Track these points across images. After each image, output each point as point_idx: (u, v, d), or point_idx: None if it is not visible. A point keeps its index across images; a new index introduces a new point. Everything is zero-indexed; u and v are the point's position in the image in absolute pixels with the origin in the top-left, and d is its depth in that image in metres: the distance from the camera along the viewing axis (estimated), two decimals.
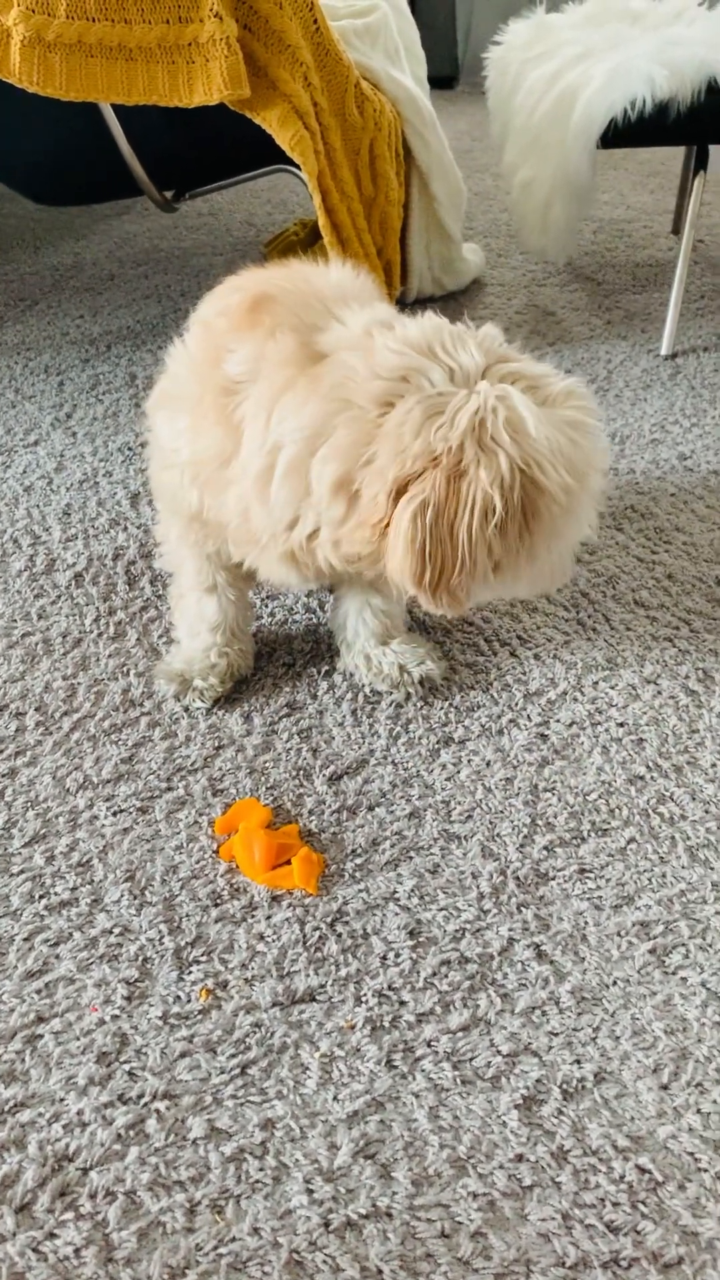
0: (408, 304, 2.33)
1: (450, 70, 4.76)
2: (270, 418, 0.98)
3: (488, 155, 3.54)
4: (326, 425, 0.95)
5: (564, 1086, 0.84)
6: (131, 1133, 0.82)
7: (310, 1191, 0.78)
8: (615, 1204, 0.77)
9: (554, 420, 0.92)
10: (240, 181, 2.21)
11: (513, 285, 2.50)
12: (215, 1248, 0.75)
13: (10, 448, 1.81)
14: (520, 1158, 0.80)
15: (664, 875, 1.02)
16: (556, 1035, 0.88)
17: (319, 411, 0.95)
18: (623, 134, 2.00)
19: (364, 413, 0.93)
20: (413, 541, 0.90)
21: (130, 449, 1.79)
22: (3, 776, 1.14)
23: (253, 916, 0.99)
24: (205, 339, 1.09)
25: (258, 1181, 0.79)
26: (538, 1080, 0.85)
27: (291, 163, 1.90)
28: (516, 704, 1.22)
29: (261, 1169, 0.79)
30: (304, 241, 2.63)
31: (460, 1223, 0.76)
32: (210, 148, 2.03)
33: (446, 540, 0.91)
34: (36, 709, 1.22)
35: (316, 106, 1.84)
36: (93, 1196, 0.78)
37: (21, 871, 1.03)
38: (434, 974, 0.93)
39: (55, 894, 1.01)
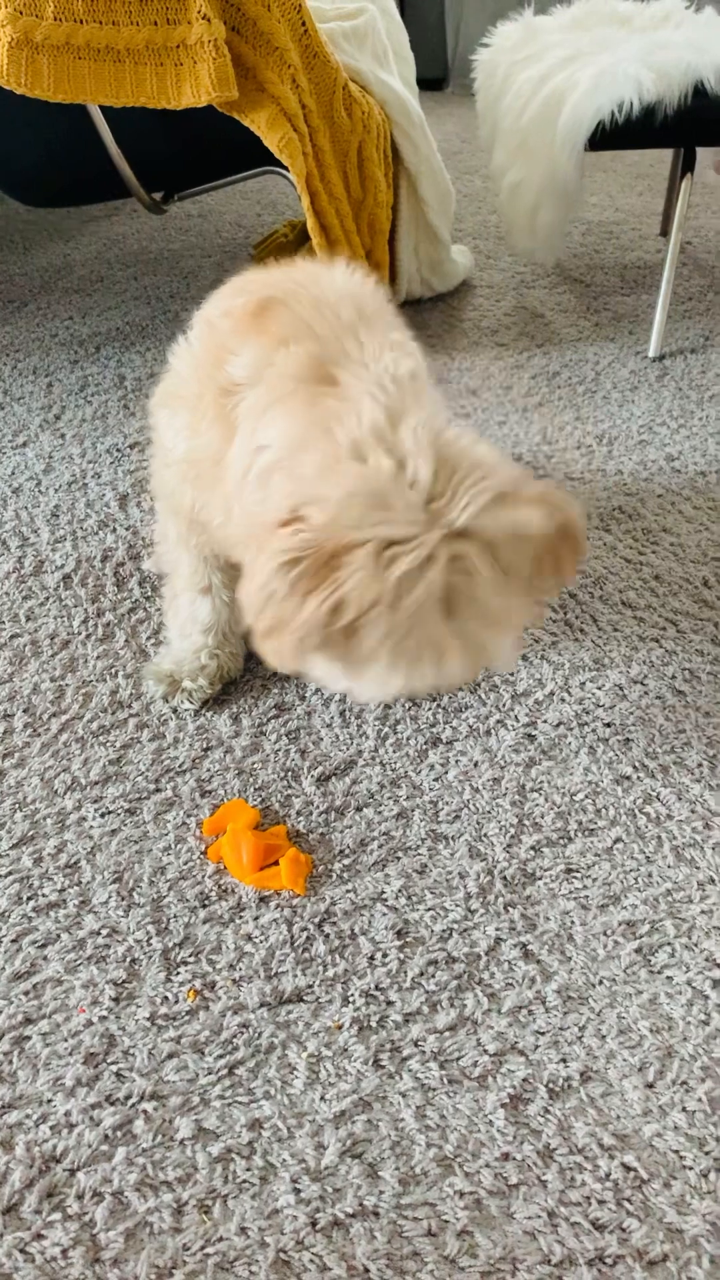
0: (397, 305, 2.33)
1: (439, 72, 4.77)
2: (259, 423, 0.97)
3: (476, 157, 3.55)
4: (301, 448, 0.91)
5: (550, 1085, 0.85)
6: (119, 1133, 0.82)
7: (297, 1191, 0.78)
8: (601, 1202, 0.77)
9: (434, 620, 0.84)
10: (229, 183, 2.21)
11: (501, 287, 2.50)
12: (202, 1248, 0.75)
13: None
14: (507, 1156, 0.80)
15: (650, 875, 1.02)
16: (543, 1034, 0.88)
17: (301, 434, 0.92)
18: (610, 137, 2.00)
19: (335, 451, 0.88)
20: (264, 585, 0.86)
21: (119, 450, 1.79)
22: None
23: (240, 917, 0.99)
24: (209, 338, 1.08)
25: (245, 1181, 0.79)
26: (524, 1079, 0.85)
27: (280, 165, 1.90)
28: (504, 705, 1.22)
29: (249, 1169, 0.80)
30: (293, 243, 2.63)
31: (447, 1221, 0.76)
32: (198, 149, 2.03)
33: (294, 605, 0.85)
34: (24, 710, 1.22)
35: (305, 108, 1.84)
36: (80, 1197, 0.78)
37: (9, 873, 1.03)
38: (421, 974, 0.93)
39: (43, 895, 1.01)
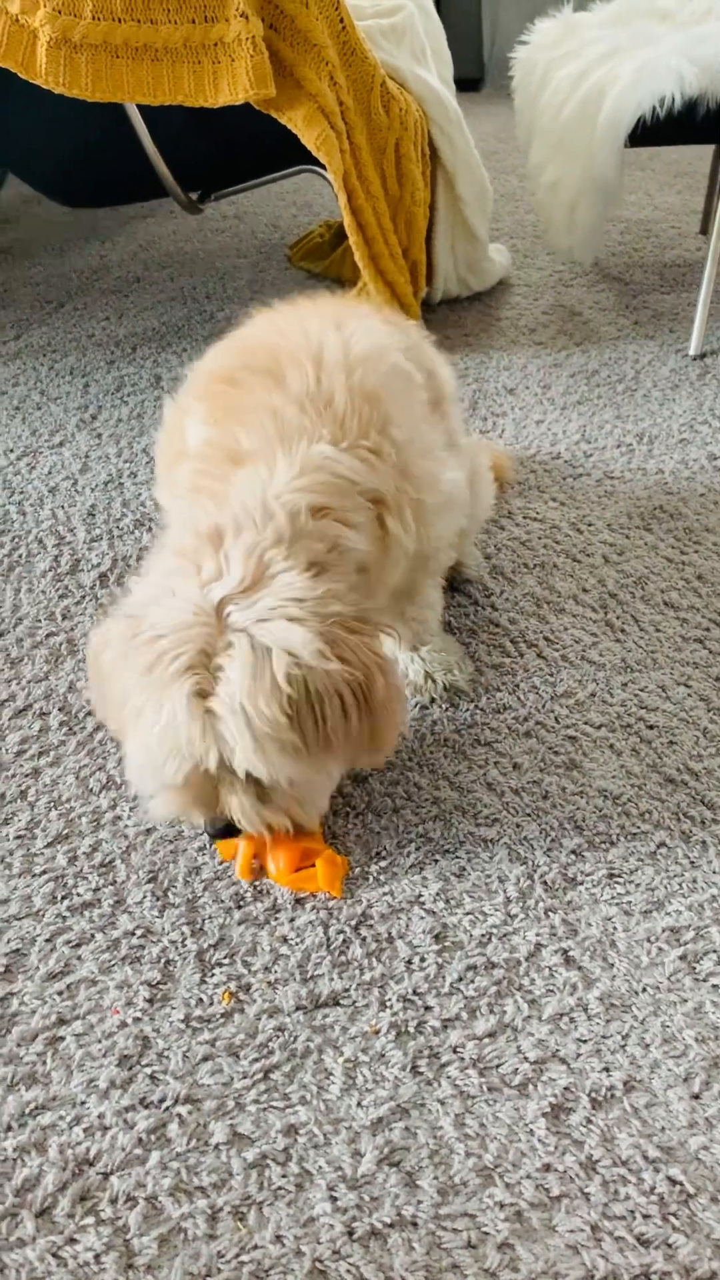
0: (434, 304, 2.32)
1: (476, 72, 4.76)
2: (176, 508, 1.00)
3: (513, 156, 3.53)
4: (174, 537, 0.95)
5: (593, 1095, 0.83)
6: (153, 1137, 0.81)
7: (334, 1199, 0.76)
8: (646, 1216, 0.75)
9: (153, 689, 0.87)
10: (265, 182, 2.20)
11: (539, 285, 2.48)
12: (237, 1255, 0.73)
13: (36, 449, 1.81)
14: (548, 1167, 0.78)
15: (695, 880, 1.00)
16: (585, 1042, 0.86)
17: (179, 525, 0.95)
18: (651, 132, 1.98)
19: (181, 549, 0.92)
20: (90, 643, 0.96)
21: (154, 450, 1.79)
22: (26, 776, 1.13)
23: (276, 919, 0.97)
24: (186, 392, 1.10)
25: (280, 1188, 0.77)
26: (566, 1088, 0.83)
27: (317, 163, 1.89)
28: (544, 705, 1.20)
29: (284, 1175, 0.78)
30: (329, 243, 2.62)
31: (487, 1233, 0.74)
32: (235, 148, 2.03)
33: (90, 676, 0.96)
34: (60, 709, 1.22)
35: (342, 106, 1.83)
36: (113, 1201, 0.77)
37: (44, 872, 1.02)
38: (460, 979, 0.91)
39: (78, 895, 1.00)
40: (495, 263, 2.41)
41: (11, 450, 1.80)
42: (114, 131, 1.87)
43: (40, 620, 1.37)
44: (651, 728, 1.17)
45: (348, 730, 0.89)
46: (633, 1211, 0.75)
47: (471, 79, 4.71)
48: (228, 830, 0.94)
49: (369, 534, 0.97)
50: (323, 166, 1.87)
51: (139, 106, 1.84)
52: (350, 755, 0.94)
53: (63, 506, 1.63)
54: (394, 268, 1.99)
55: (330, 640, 0.87)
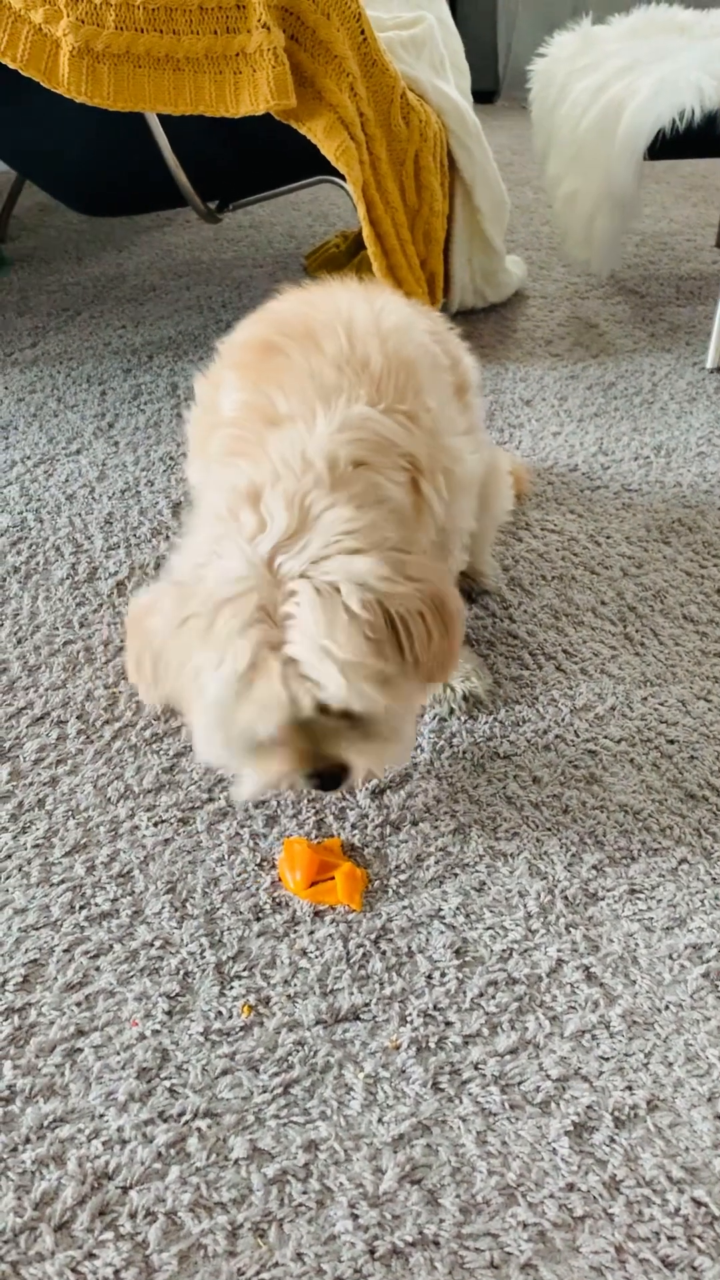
0: (450, 316, 2.32)
1: (491, 84, 4.76)
2: (210, 475, 0.99)
3: (528, 169, 3.53)
4: (210, 498, 0.95)
5: (616, 1114, 0.82)
6: (172, 1151, 0.80)
7: (355, 1217, 0.76)
8: (671, 1238, 0.74)
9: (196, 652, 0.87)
10: (284, 192, 2.21)
11: (555, 297, 2.48)
12: (258, 1273, 0.73)
13: (53, 456, 1.81)
14: (571, 1187, 0.77)
15: (717, 897, 0.99)
16: (607, 1060, 0.86)
17: (216, 486, 0.95)
18: (670, 145, 1.98)
19: (217, 511, 0.92)
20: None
21: (172, 459, 1.79)
22: (44, 785, 1.13)
23: (295, 931, 0.97)
24: (217, 365, 1.11)
25: (301, 1205, 0.77)
26: (588, 1106, 0.82)
27: (336, 173, 1.89)
28: (563, 719, 1.20)
29: (305, 1192, 0.77)
30: (345, 253, 2.62)
31: (510, 1253, 0.74)
32: (254, 158, 2.03)
33: (129, 651, 0.96)
34: (78, 717, 1.21)
35: (362, 117, 1.84)
36: (133, 1216, 0.76)
37: (62, 881, 1.02)
38: (481, 994, 0.91)
39: (96, 905, 0.99)
40: (512, 274, 2.41)
41: (29, 457, 1.80)
42: (134, 141, 1.88)
43: (58, 628, 1.36)
44: (672, 742, 1.16)
45: (429, 648, 0.89)
46: (657, 1233, 0.75)
47: (486, 92, 4.72)
48: (335, 780, 0.92)
49: (405, 495, 0.97)
50: (342, 177, 1.87)
51: (160, 116, 1.84)
52: (428, 673, 0.93)
53: (80, 514, 1.63)
54: (412, 279, 1.99)
55: (394, 563, 0.87)
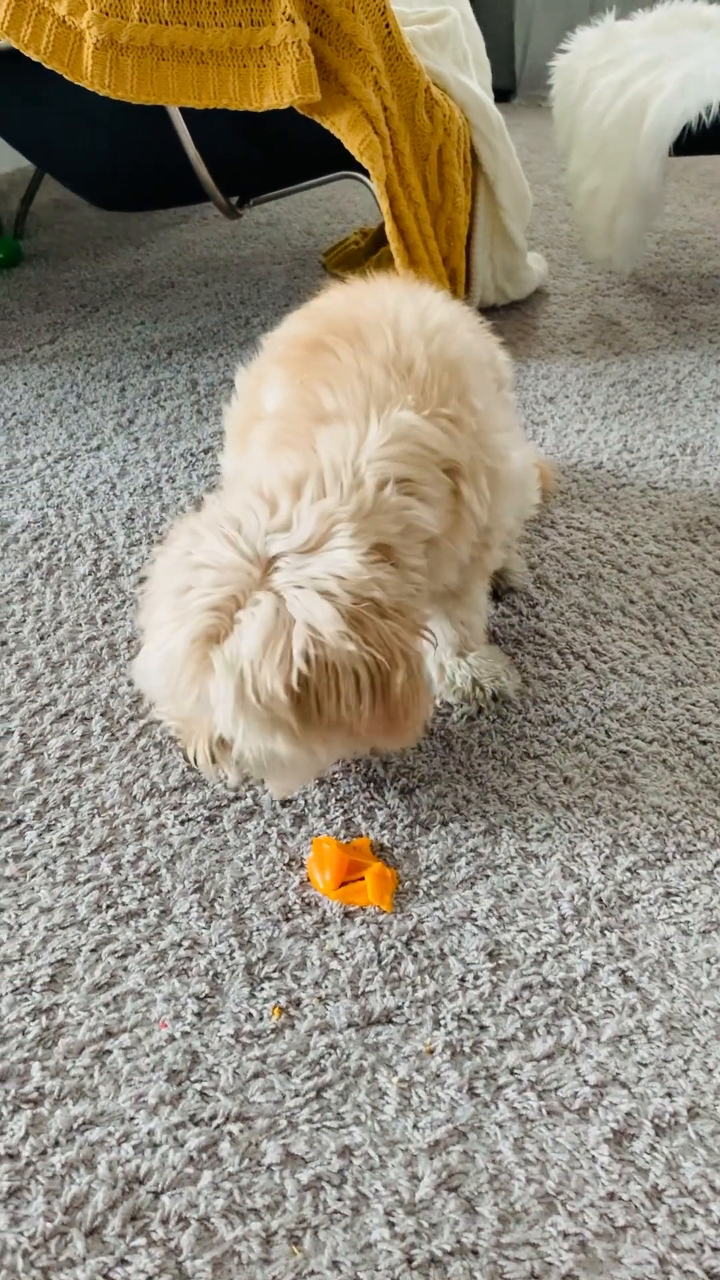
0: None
1: (508, 83, 4.74)
2: (256, 458, 1.00)
3: (546, 166, 3.51)
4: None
5: (656, 1121, 0.80)
6: (204, 1156, 0.79)
7: (391, 1224, 0.74)
8: (715, 1249, 0.73)
9: (193, 628, 0.88)
10: (306, 187, 2.19)
11: (576, 295, 2.46)
12: None
13: (73, 452, 1.80)
14: (612, 1196, 0.76)
15: None
16: (646, 1066, 0.84)
17: (256, 473, 0.95)
18: (696, 140, 1.96)
19: (258, 488, 0.93)
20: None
21: (193, 455, 1.78)
22: (69, 782, 1.11)
23: (325, 932, 0.95)
24: (261, 360, 1.11)
25: (336, 1212, 0.75)
26: (628, 1113, 0.81)
27: (358, 168, 1.88)
28: (594, 719, 1.18)
29: (340, 1199, 0.76)
30: (364, 251, 2.61)
31: (551, 1264, 0.72)
32: (276, 153, 2.02)
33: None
34: (102, 714, 1.20)
35: (386, 111, 1.82)
36: (165, 1222, 0.75)
37: (88, 880, 1.01)
38: (515, 998, 0.89)
39: (123, 904, 0.98)
40: (533, 271, 2.39)
41: (49, 453, 1.79)
42: (156, 134, 1.86)
43: (80, 624, 1.35)
44: (705, 743, 1.14)
45: (358, 713, 0.88)
46: (701, 1244, 0.73)
47: (503, 90, 4.70)
48: (206, 765, 0.95)
49: (443, 507, 0.97)
50: (364, 172, 1.86)
51: (182, 110, 1.83)
52: (359, 738, 0.93)
53: (101, 510, 1.61)
54: (434, 275, 1.97)
55: (356, 620, 0.86)
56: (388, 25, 1.78)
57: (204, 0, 1.64)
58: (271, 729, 0.87)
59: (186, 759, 0.97)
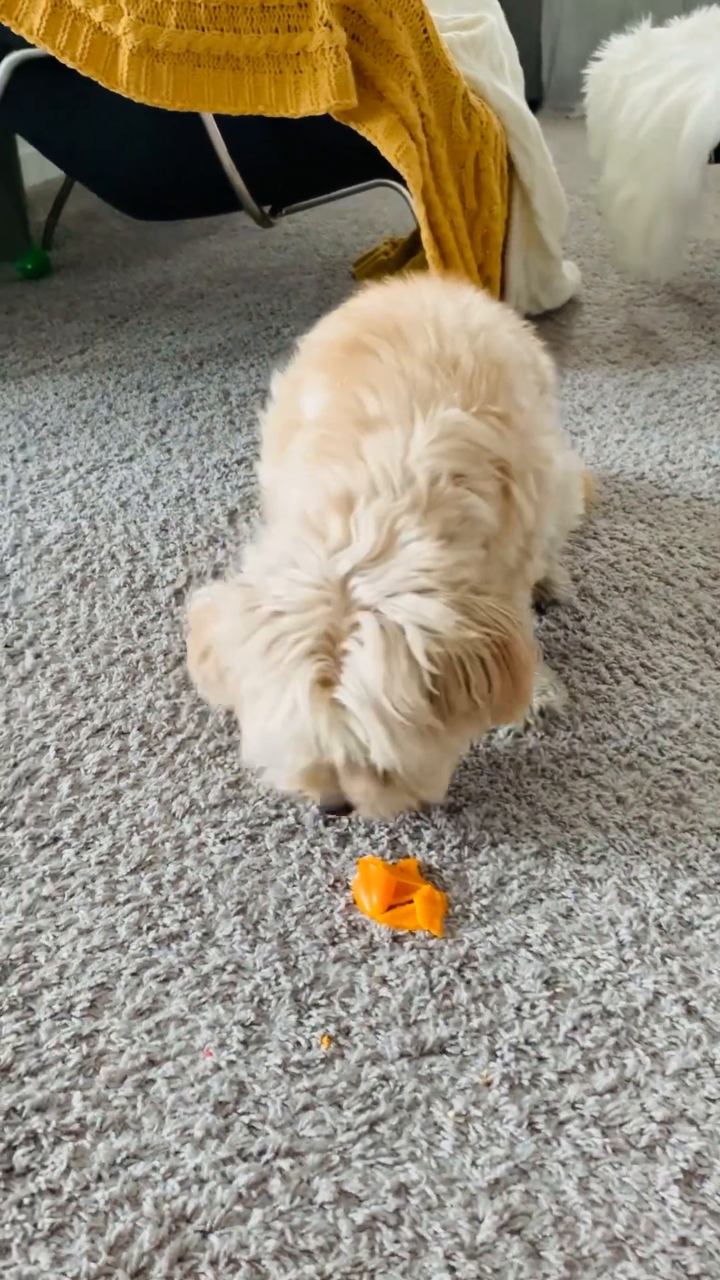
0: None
1: (534, 93, 4.72)
2: (294, 474, 0.97)
3: (576, 176, 3.48)
4: (294, 506, 0.93)
5: None
6: (253, 1193, 0.75)
7: (452, 1269, 0.71)
8: None
9: (271, 664, 0.84)
10: (341, 195, 2.17)
11: (610, 305, 2.43)
12: None
13: (106, 463, 1.77)
14: (684, 1241, 0.72)
15: None
16: (715, 1102, 0.80)
17: (303, 492, 0.92)
18: None
19: (304, 514, 0.89)
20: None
21: (225, 466, 1.75)
22: (107, 798, 1.09)
23: (374, 958, 0.92)
24: (298, 364, 1.08)
25: (393, 1255, 0.71)
26: (697, 1152, 0.77)
27: (393, 176, 1.85)
28: (646, 736, 1.14)
29: (397, 1240, 0.72)
30: (394, 261, 2.59)
31: None
32: (311, 160, 2.00)
33: (190, 650, 0.95)
34: (139, 729, 1.17)
35: (424, 118, 1.80)
36: (214, 1263, 0.71)
37: (128, 900, 0.97)
38: (574, 1028, 0.85)
39: (164, 926, 0.95)
40: (567, 280, 2.36)
41: (81, 464, 1.77)
42: (190, 141, 1.85)
43: (116, 637, 1.33)
44: None
45: (490, 696, 0.86)
46: None
47: (530, 100, 4.69)
48: (344, 810, 0.93)
49: (496, 505, 0.94)
50: (400, 179, 1.83)
51: (216, 116, 1.81)
52: (485, 720, 0.91)
53: (134, 521, 1.59)
54: (470, 283, 1.95)
55: (464, 606, 0.83)
56: (425, 31, 1.76)
57: (241, 6, 1.62)
58: (423, 741, 0.84)
59: (326, 817, 0.95)
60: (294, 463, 0.98)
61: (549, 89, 4.77)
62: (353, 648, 0.82)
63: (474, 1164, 0.77)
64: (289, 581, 0.85)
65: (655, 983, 0.89)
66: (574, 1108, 0.80)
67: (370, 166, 1.88)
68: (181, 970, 0.91)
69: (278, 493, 1.04)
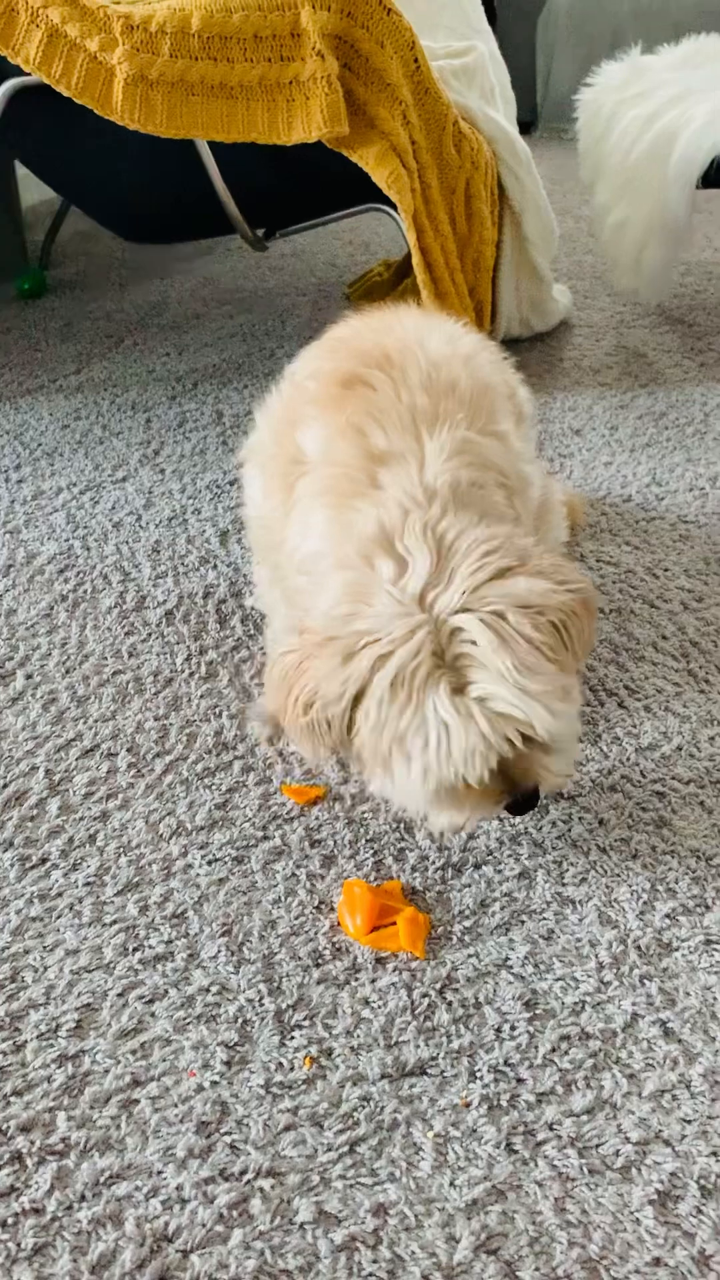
0: (496, 344, 2.29)
1: (528, 116, 4.77)
2: (309, 509, 0.97)
3: (568, 199, 3.52)
4: (328, 550, 0.94)
5: (702, 1182, 0.77)
6: (234, 1213, 0.76)
7: None
8: None
9: (424, 696, 0.84)
10: (332, 220, 2.20)
11: (601, 327, 2.46)
12: None
13: (99, 483, 1.79)
14: (658, 1261, 0.73)
15: None
16: (690, 1123, 0.81)
17: (333, 534, 0.94)
18: None
19: (346, 559, 0.91)
20: (269, 672, 0.94)
21: (219, 486, 1.77)
22: (95, 820, 1.10)
23: (356, 979, 0.93)
24: (291, 400, 1.08)
25: (371, 1275, 0.73)
26: (672, 1173, 0.78)
27: (385, 201, 1.88)
28: (628, 758, 1.16)
29: (375, 1260, 0.73)
30: (388, 283, 2.61)
31: None
32: (303, 186, 2.03)
33: (283, 696, 0.91)
34: (128, 750, 1.19)
35: (414, 145, 1.82)
36: None
37: (115, 921, 0.99)
38: (553, 1050, 0.87)
39: (150, 947, 0.96)
40: (558, 303, 2.39)
41: (75, 484, 1.79)
42: (184, 168, 1.87)
43: (106, 657, 1.34)
44: None
45: (585, 643, 0.90)
46: None
47: (523, 123, 4.73)
48: (531, 802, 0.92)
49: (507, 516, 0.97)
50: (391, 205, 1.86)
51: (210, 143, 1.84)
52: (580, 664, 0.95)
53: (127, 542, 1.61)
54: (460, 307, 1.97)
55: (545, 572, 0.87)
56: (416, 60, 1.79)
57: (234, 37, 1.65)
58: (564, 698, 0.86)
59: (516, 812, 0.93)
60: (305, 502, 0.98)
61: (544, 111, 4.81)
62: (468, 649, 0.83)
63: (452, 1184, 0.78)
64: (374, 620, 0.86)
65: (634, 1004, 0.90)
66: (551, 1129, 0.81)
67: (362, 191, 1.91)
68: (167, 991, 0.92)
69: (273, 526, 1.05)
